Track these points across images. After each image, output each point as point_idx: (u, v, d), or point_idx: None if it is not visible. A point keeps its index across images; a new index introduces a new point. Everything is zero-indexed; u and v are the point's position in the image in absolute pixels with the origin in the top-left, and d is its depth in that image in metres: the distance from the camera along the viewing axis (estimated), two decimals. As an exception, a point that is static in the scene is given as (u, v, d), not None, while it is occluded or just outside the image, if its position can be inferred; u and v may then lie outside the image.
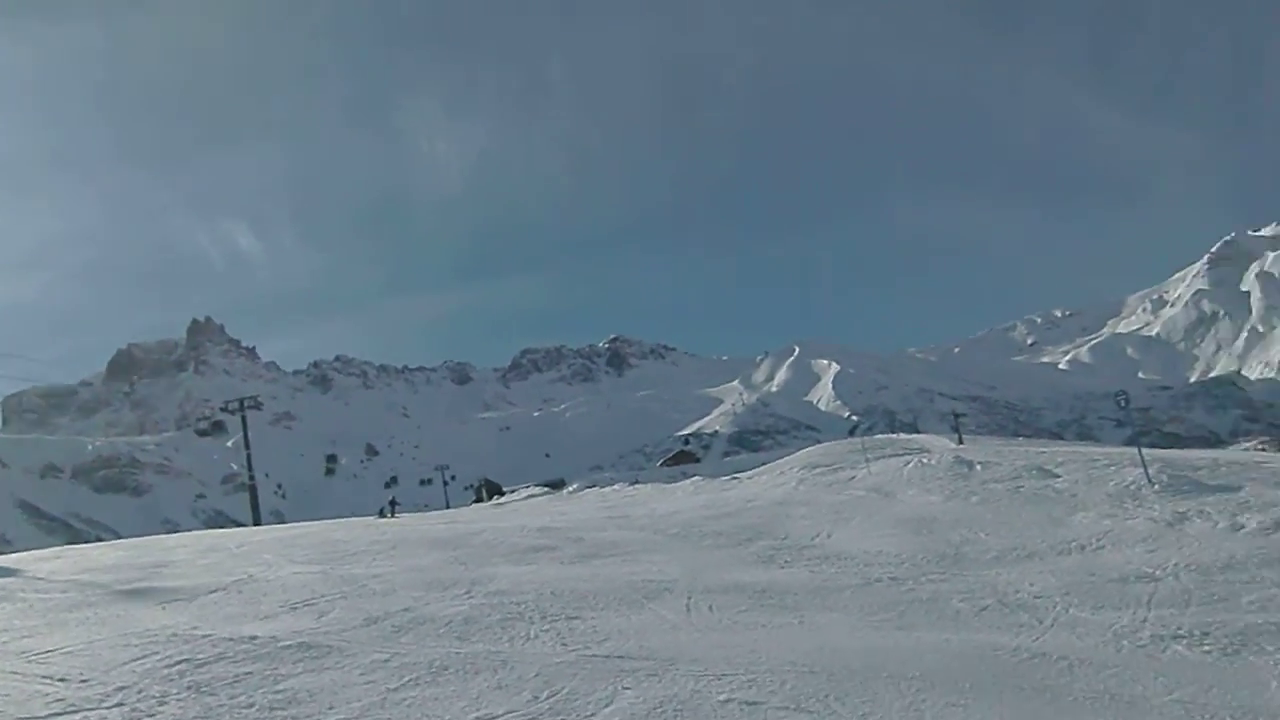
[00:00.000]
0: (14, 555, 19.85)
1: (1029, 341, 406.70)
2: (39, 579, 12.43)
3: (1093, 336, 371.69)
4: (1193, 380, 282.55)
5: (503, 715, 5.49)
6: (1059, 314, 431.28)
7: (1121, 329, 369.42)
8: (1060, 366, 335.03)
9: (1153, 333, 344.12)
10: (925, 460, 20.93)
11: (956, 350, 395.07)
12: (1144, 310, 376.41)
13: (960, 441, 38.84)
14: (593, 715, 5.46)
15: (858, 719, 5.27)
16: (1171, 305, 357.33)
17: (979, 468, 18.51)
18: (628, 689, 5.96)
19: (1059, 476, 16.37)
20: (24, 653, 7.57)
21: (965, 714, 5.32)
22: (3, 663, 7.15)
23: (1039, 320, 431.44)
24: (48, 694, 6.22)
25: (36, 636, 8.27)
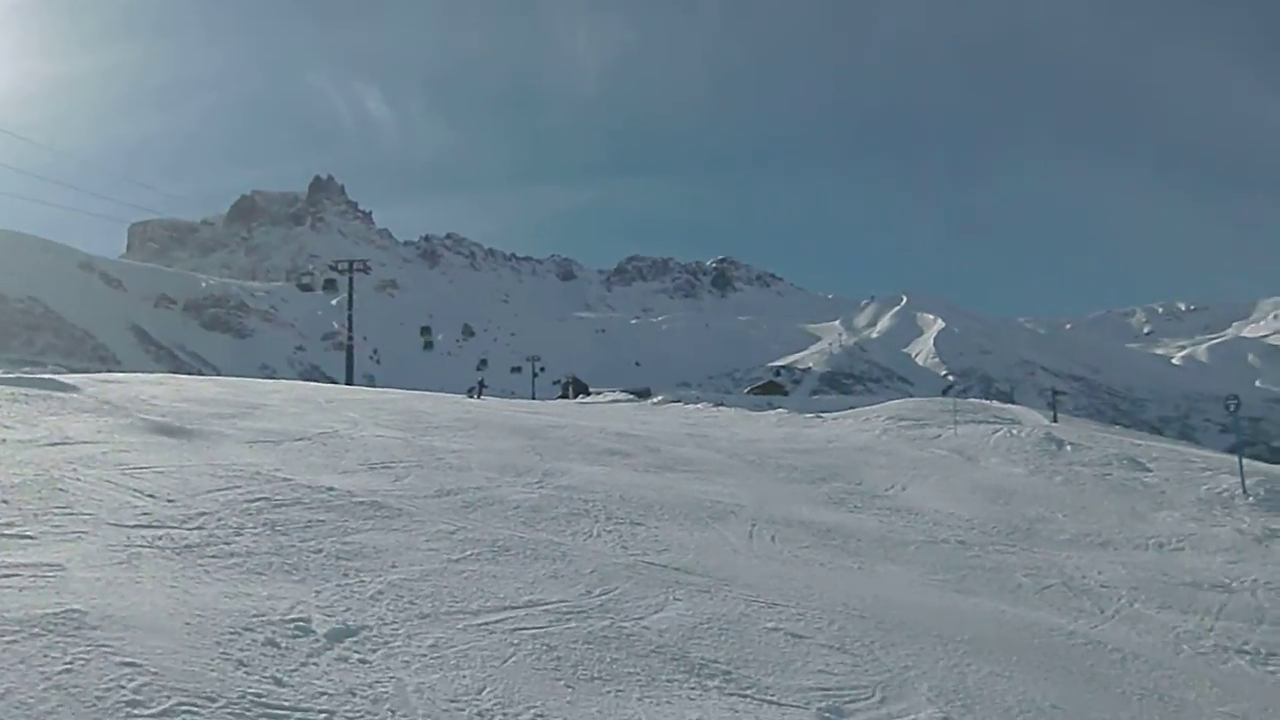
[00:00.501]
0: (122, 375, 20.85)
1: (1146, 330, 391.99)
2: (142, 400, 13.05)
3: (1214, 336, 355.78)
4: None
5: (555, 602, 5.64)
6: (1182, 307, 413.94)
7: (1246, 333, 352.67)
8: (1174, 361, 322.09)
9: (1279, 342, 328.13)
10: (1014, 431, 20.49)
11: (1068, 327, 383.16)
12: (1275, 317, 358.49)
13: (1055, 419, 37.85)
14: (641, 618, 5.57)
15: (899, 669, 5.28)
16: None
17: (1069, 448, 18.05)
18: (678, 600, 6.06)
19: (1150, 471, 15.88)
20: (120, 465, 8.00)
21: (1008, 685, 5.29)
22: (100, 471, 7.58)
23: (1160, 310, 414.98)
24: (136, 506, 6.59)
25: (133, 453, 8.72)
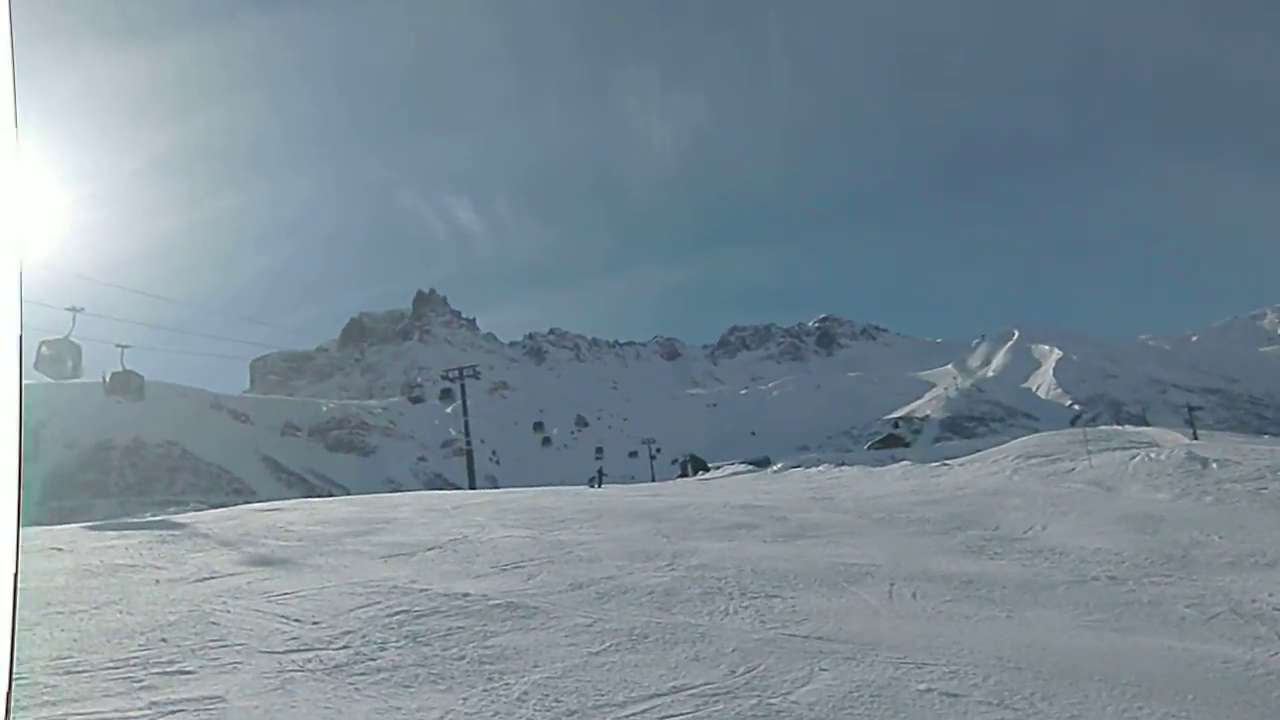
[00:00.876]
0: (257, 504, 21.62)
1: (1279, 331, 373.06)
2: (279, 527, 13.50)
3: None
4: None
5: (699, 686, 5.58)
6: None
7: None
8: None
9: None
10: (1153, 455, 19.64)
11: (1195, 339, 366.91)
12: None
13: (1195, 437, 36.19)
14: (789, 693, 5.47)
15: (1065, 719, 5.05)
16: None
17: (1215, 465, 17.20)
18: (824, 670, 5.93)
19: (1309, 479, 15.01)
20: (265, 593, 8.28)
21: (1186, 726, 5.00)
22: (248, 601, 7.85)
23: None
24: (284, 632, 6.80)
25: (276, 580, 9.03)
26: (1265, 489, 14.62)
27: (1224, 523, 12.48)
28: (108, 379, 31.50)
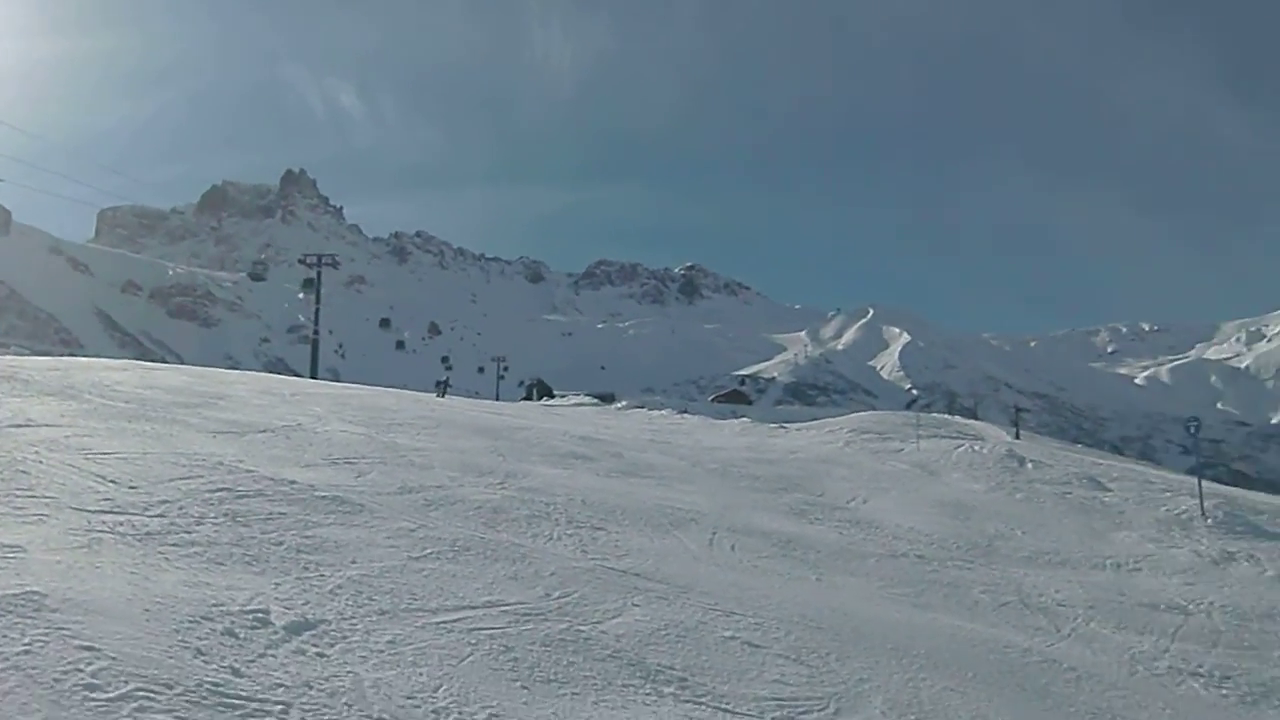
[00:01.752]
0: (85, 359, 20.58)
1: (1110, 350, 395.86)
2: (106, 385, 12.88)
3: (1177, 357, 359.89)
4: (1275, 421, 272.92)
5: (513, 604, 5.64)
6: (1146, 327, 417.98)
7: (1210, 355, 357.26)
8: (1137, 381, 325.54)
9: (1242, 365, 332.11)
10: (976, 447, 20.69)
11: (1033, 344, 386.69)
12: (1237, 340, 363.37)
13: (1017, 436, 38.26)
14: (599, 623, 5.58)
15: (854, 681, 5.33)
16: (1269, 340, 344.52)
17: (1030, 465, 18.26)
18: (637, 605, 6.08)
19: (1110, 491, 16.11)
20: (83, 450, 7.91)
21: (962, 700, 5.35)
22: (65, 456, 7.49)
23: (1124, 330, 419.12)
24: (98, 491, 6.53)
25: (96, 438, 8.62)
26: (1070, 493, 15.62)
27: (1029, 519, 13.30)
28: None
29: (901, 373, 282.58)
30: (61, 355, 24.96)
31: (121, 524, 5.78)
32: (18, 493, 6.06)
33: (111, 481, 6.88)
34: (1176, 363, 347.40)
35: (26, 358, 19.33)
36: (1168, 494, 15.74)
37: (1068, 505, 14.76)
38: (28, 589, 4.21)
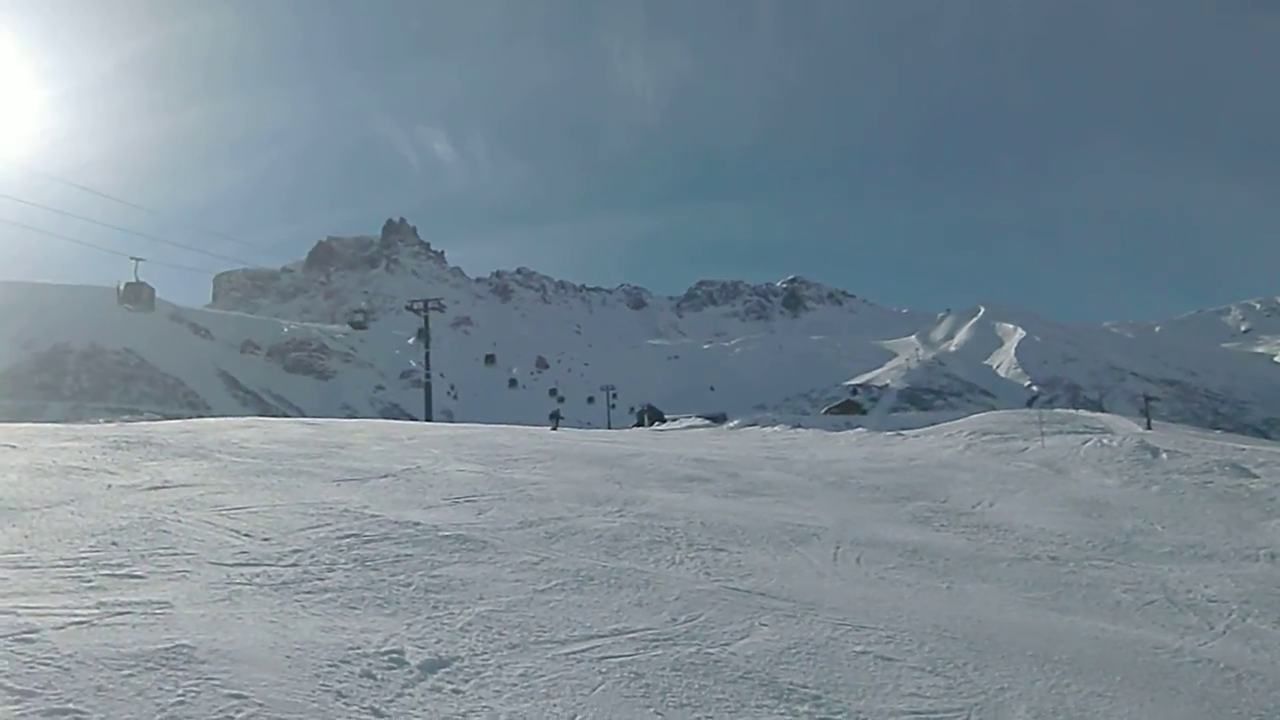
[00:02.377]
0: (213, 420, 21.49)
1: (1243, 328, 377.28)
2: (233, 443, 13.43)
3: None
4: None
5: (640, 630, 5.66)
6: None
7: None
8: (1277, 359, 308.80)
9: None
10: (1106, 441, 19.97)
11: (1158, 329, 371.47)
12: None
13: (1148, 426, 36.81)
14: (727, 644, 5.55)
15: (994, 691, 5.18)
16: None
17: (1165, 456, 17.53)
18: (764, 625, 6.03)
19: (1257, 477, 15.32)
20: (217, 506, 8.27)
21: (1111, 706, 5.15)
22: (199, 513, 7.83)
23: (1258, 306, 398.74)
24: (235, 545, 6.80)
25: (228, 494, 9.00)
26: (1211, 482, 14.93)
27: (1168, 513, 12.75)
28: (121, 289, 31.58)
29: (1019, 370, 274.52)
30: (190, 417, 26.09)
31: (258, 575, 6.01)
32: (160, 552, 6.37)
33: (246, 535, 7.16)
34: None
35: (158, 422, 20.29)
36: (1320, 476, 14.88)
37: (1210, 495, 14.10)
38: (177, 643, 4.42)
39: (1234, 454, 18.37)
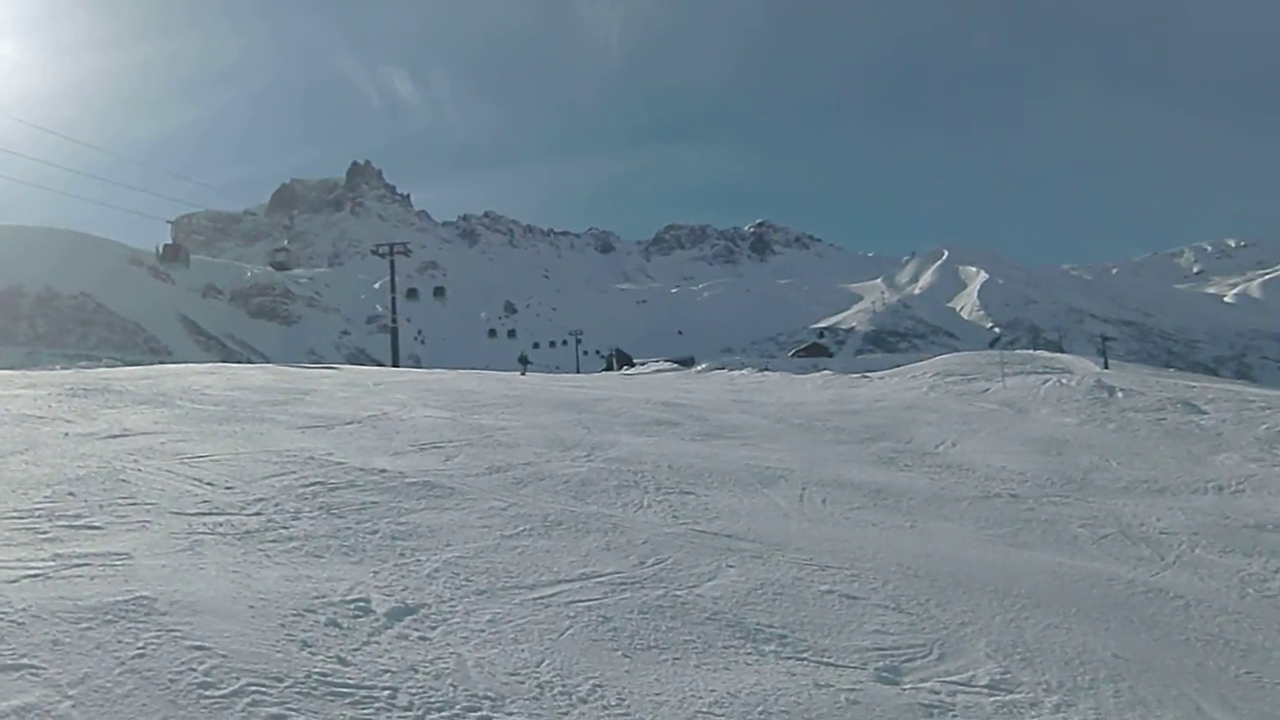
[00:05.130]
0: (174, 365, 21.21)
1: (1195, 270, 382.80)
2: (195, 390, 13.27)
3: (1267, 271, 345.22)
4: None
5: (608, 575, 5.69)
6: (1233, 244, 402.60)
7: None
8: (1226, 299, 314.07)
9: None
10: (1064, 381, 20.21)
11: (1115, 271, 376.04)
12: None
13: (1106, 366, 37.33)
14: (695, 587, 5.60)
15: (956, 626, 5.27)
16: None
17: (1121, 394, 17.78)
18: (731, 567, 6.08)
19: (1206, 413, 15.59)
20: (178, 454, 8.17)
21: (1067, 637, 5.26)
22: (160, 462, 7.75)
23: (1209, 249, 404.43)
24: (196, 494, 6.74)
25: (190, 442, 8.90)
26: (1165, 419, 15.19)
27: (1123, 449, 12.97)
28: (160, 250, 31.19)
29: (982, 312, 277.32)
30: (150, 363, 25.75)
31: (221, 525, 5.96)
32: (120, 501, 6.29)
33: (208, 484, 7.10)
34: (1268, 277, 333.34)
35: (118, 368, 20.01)
36: (1267, 411, 15.15)
37: (1163, 431, 14.36)
38: (137, 594, 4.38)
39: (1185, 392, 18.65)
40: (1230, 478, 11.02)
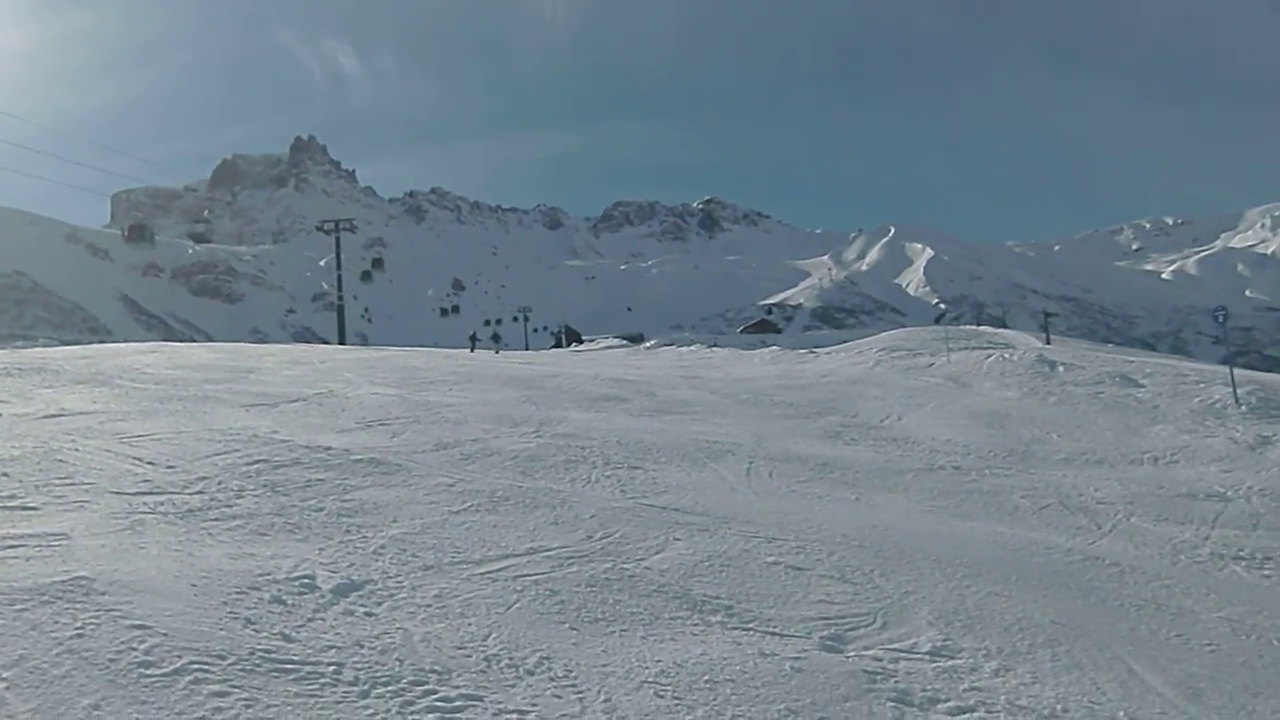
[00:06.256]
0: (113, 345, 20.79)
1: (1134, 247, 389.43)
2: (135, 369, 13.02)
3: (1203, 248, 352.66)
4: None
5: (556, 549, 5.70)
6: (1170, 221, 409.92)
7: (1235, 244, 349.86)
8: (1164, 276, 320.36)
9: (1269, 250, 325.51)
10: (1007, 355, 20.54)
11: (1057, 248, 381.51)
12: (1262, 226, 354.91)
13: (1048, 341, 37.98)
14: (642, 560, 5.63)
15: (899, 595, 5.36)
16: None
17: (1061, 369, 18.12)
18: (679, 540, 6.12)
19: (1143, 387, 15.95)
20: (118, 434, 8.03)
21: (1007, 604, 5.37)
22: (100, 442, 7.60)
23: (1148, 226, 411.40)
24: (137, 474, 6.63)
25: (130, 421, 8.75)
26: (1103, 393, 15.50)
27: (1063, 422, 13.24)
28: (126, 232, 30.29)
29: (928, 288, 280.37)
30: (89, 343, 25.27)
31: (162, 504, 5.88)
32: (57, 481, 6.17)
33: (149, 463, 6.99)
34: (1203, 254, 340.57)
35: (55, 348, 19.58)
36: (1201, 385, 15.54)
37: (1101, 405, 14.66)
38: (75, 574, 4.30)
39: (1124, 366, 19.05)
40: (1165, 449, 11.30)
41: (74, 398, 10.03)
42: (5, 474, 6.25)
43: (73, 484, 6.15)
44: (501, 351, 35.56)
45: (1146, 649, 4.91)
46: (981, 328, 50.80)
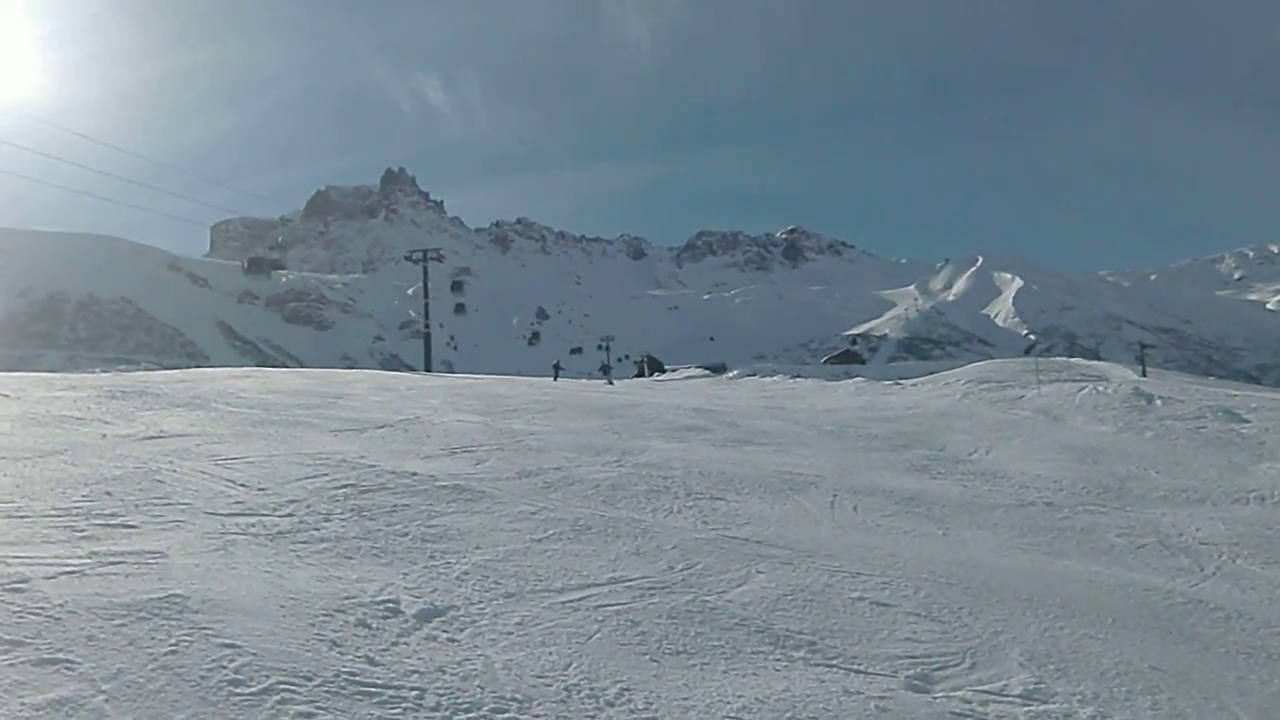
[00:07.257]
0: (210, 370, 21.45)
1: (1236, 276, 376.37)
2: (230, 394, 13.41)
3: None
4: None
5: (637, 579, 5.67)
6: (1275, 249, 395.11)
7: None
8: (1269, 306, 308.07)
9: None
10: (1101, 388, 19.97)
11: (1153, 278, 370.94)
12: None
13: (1144, 374, 36.85)
14: (724, 592, 5.57)
15: (989, 635, 5.20)
16: None
17: (1159, 402, 17.53)
18: (761, 573, 6.04)
19: (1248, 422, 15.33)
20: (213, 456, 8.26)
21: (1103, 648, 5.17)
22: (196, 463, 7.83)
23: (1251, 254, 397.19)
24: (230, 495, 6.80)
25: (225, 444, 9.00)
26: (1204, 428, 14.95)
27: (1161, 458, 12.78)
28: (245, 265, 31.46)
29: (1017, 319, 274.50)
30: (187, 368, 26.13)
31: (253, 525, 6.01)
32: (155, 501, 6.36)
33: (241, 485, 7.16)
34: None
35: (155, 372, 20.26)
36: (1313, 421, 14.88)
37: (1203, 440, 14.13)
38: (170, 592, 4.42)
39: (1226, 400, 18.36)
40: (1272, 487, 10.81)
41: (172, 420, 10.36)
42: (108, 493, 6.47)
43: (170, 504, 6.33)
44: (614, 381, 35.73)
45: (1256, 699, 4.68)
46: (1073, 360, 49.53)
